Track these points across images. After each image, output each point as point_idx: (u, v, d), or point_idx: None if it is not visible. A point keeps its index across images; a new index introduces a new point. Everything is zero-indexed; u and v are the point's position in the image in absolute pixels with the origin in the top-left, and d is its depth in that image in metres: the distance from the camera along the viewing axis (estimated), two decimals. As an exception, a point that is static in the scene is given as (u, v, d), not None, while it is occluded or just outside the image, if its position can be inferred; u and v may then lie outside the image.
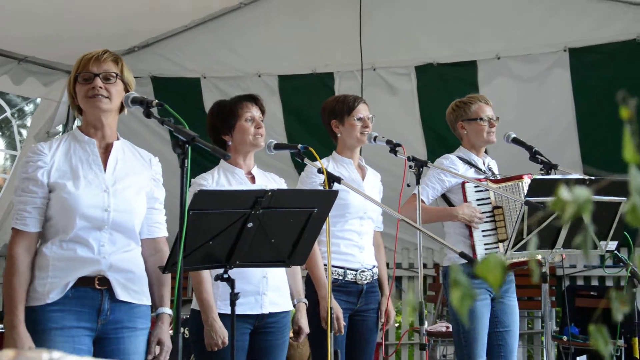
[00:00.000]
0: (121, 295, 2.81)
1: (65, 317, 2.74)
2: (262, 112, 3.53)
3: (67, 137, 2.93)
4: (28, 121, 7.51)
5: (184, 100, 6.59)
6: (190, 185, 3.34)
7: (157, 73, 6.61)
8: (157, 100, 2.73)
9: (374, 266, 3.92)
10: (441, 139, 5.75)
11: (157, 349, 2.90)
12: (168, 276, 3.01)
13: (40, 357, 1.10)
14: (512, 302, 4.14)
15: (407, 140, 6.12)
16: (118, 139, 2.96)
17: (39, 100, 6.77)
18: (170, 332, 2.90)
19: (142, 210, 2.92)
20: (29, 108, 7.20)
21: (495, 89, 5.91)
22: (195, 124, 5.78)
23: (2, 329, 5.43)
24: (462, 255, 2.98)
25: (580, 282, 6.55)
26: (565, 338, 5.67)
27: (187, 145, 2.59)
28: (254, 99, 3.52)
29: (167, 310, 2.94)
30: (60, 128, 6.56)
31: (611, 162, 5.62)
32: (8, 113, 6.62)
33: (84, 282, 2.77)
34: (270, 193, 2.81)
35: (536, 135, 5.74)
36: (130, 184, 2.89)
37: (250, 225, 2.83)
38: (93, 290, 2.78)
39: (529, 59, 5.90)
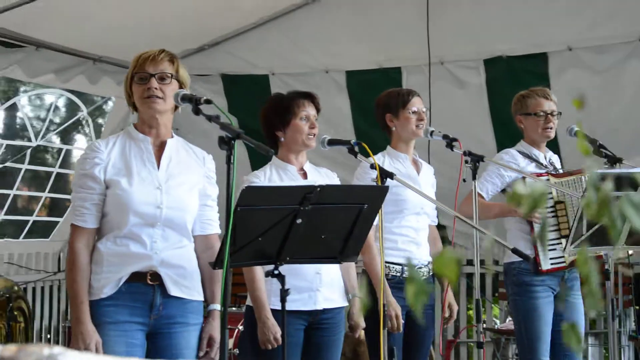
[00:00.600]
0: (173, 290, 2.86)
1: (119, 311, 2.81)
2: (318, 110, 3.54)
3: (123, 134, 3.00)
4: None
5: (253, 97, 6.65)
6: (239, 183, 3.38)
7: (226, 71, 6.69)
8: (205, 97, 2.77)
9: (429, 262, 3.89)
10: (511, 133, 5.61)
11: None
12: (220, 273, 3.05)
13: (41, 352, 1.13)
14: (577, 300, 4.04)
15: (477, 135, 6.05)
16: (172, 137, 3.02)
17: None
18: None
19: (194, 207, 2.96)
20: (107, 107, 7.40)
21: (567, 81, 5.75)
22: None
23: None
24: (515, 251, 2.93)
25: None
26: (641, 338, 5.50)
27: (233, 142, 2.63)
28: (310, 97, 3.52)
29: (218, 306, 2.98)
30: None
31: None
32: (84, 112, 6.82)
33: (136, 278, 2.83)
34: (319, 189, 2.82)
35: (610, 128, 5.58)
36: (183, 182, 2.94)
37: (299, 221, 2.84)
38: (145, 286, 2.84)
39: (601, 50, 5.70)
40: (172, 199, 2.88)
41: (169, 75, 2.92)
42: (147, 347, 2.87)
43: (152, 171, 2.91)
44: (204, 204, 3.01)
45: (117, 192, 2.84)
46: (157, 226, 2.86)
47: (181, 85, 2.96)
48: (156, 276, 2.85)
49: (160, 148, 2.97)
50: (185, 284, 2.90)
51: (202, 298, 2.97)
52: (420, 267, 3.82)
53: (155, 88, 2.88)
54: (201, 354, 2.93)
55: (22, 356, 1.16)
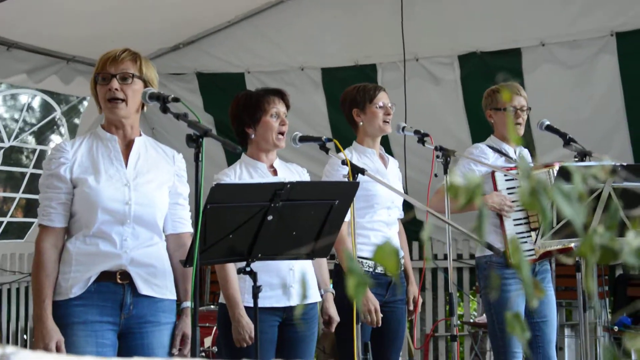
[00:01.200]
0: (143, 289, 2.85)
1: (88, 311, 2.79)
2: (287, 107, 3.54)
3: (91, 135, 2.99)
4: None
5: (229, 95, 6.63)
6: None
7: (202, 69, 6.68)
8: (173, 96, 2.76)
9: (401, 256, 3.90)
10: (486, 128, 5.65)
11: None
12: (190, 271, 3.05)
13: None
14: (548, 292, 4.08)
15: (452, 131, 6.08)
16: (140, 135, 3.01)
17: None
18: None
19: (163, 204, 2.95)
20: (82, 107, 7.35)
21: (540, 76, 5.79)
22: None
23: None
24: (488, 246, 2.95)
25: (634, 272, 6.37)
26: (616, 328, 5.54)
27: (201, 139, 2.63)
28: (280, 94, 3.52)
29: (188, 304, 2.97)
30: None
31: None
32: (58, 112, 6.77)
33: (105, 277, 2.81)
34: (289, 185, 2.82)
35: (583, 123, 5.62)
36: (152, 179, 2.93)
37: (270, 218, 2.84)
38: (115, 285, 2.82)
39: (574, 45, 5.74)
40: (140, 195, 2.87)
41: (131, 75, 2.89)
42: (118, 346, 2.86)
43: (119, 169, 2.90)
44: (175, 202, 3.00)
45: (84, 190, 2.83)
46: (126, 224, 2.84)
47: (147, 84, 2.93)
48: (126, 275, 2.83)
49: (128, 147, 2.96)
50: (156, 282, 2.89)
51: (174, 297, 2.96)
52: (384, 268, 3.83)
53: (117, 89, 2.86)
54: (174, 351, 2.92)
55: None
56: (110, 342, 2.82)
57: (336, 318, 3.53)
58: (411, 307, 3.95)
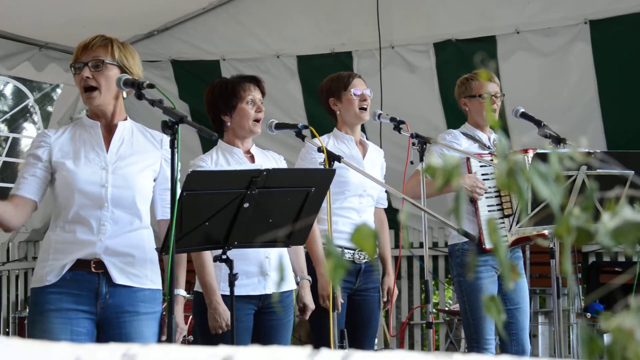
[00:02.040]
0: (118, 279, 2.81)
1: (63, 299, 2.77)
2: (263, 94, 3.53)
3: (75, 124, 2.99)
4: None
5: (205, 83, 6.59)
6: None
7: (176, 56, 6.63)
8: (148, 82, 2.75)
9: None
10: (461, 115, 5.68)
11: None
12: (182, 257, 3.03)
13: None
14: (521, 279, 4.11)
15: (428, 118, 6.10)
16: (125, 120, 2.98)
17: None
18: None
19: (145, 187, 2.91)
20: (56, 94, 7.28)
21: (515, 64, 5.82)
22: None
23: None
24: (462, 233, 2.96)
25: (607, 259, 6.45)
26: (589, 315, 5.60)
27: (176, 126, 2.61)
28: (255, 81, 3.51)
29: (181, 292, 2.96)
30: (84, 113, 6.63)
31: (636, 136, 5.59)
32: (31, 100, 6.71)
33: (80, 265, 2.79)
34: (265, 172, 2.82)
35: (558, 110, 5.66)
36: (134, 162, 2.90)
37: (246, 205, 2.84)
38: (90, 274, 2.80)
39: (548, 33, 5.78)
40: (118, 177, 2.85)
41: (102, 61, 2.85)
42: (97, 336, 2.84)
43: (99, 153, 2.88)
44: (165, 187, 2.92)
45: (62, 174, 2.83)
46: (104, 208, 2.81)
47: (124, 70, 2.89)
48: (100, 264, 2.81)
49: (111, 132, 2.93)
50: (134, 272, 2.85)
51: (156, 286, 2.91)
52: (362, 250, 3.83)
53: (88, 77, 2.83)
54: (163, 338, 2.91)
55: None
56: (86, 331, 2.79)
57: (311, 306, 3.54)
58: (385, 298, 3.96)
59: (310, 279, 3.57)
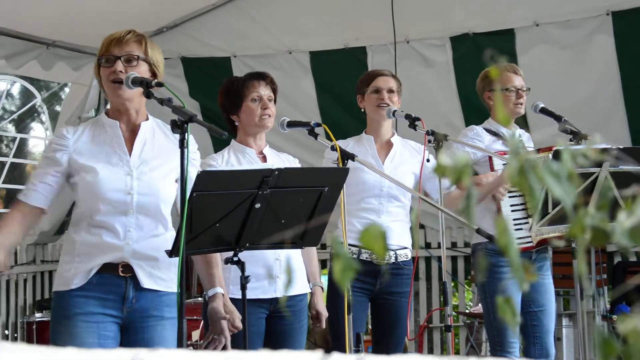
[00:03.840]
0: (146, 283, 2.83)
1: (89, 302, 2.79)
2: (274, 90, 3.54)
3: (94, 122, 2.97)
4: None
5: (215, 81, 6.62)
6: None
7: (186, 54, 6.65)
8: (157, 80, 2.76)
9: (400, 247, 3.88)
10: (479, 111, 5.65)
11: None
12: (217, 256, 3.07)
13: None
14: (547, 280, 4.09)
15: (445, 114, 6.09)
16: (147, 119, 2.98)
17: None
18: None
19: (169, 193, 2.91)
20: (64, 93, 7.32)
21: (534, 57, 5.79)
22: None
23: (41, 317, 5.58)
24: (479, 232, 2.96)
25: (634, 259, 6.40)
26: (614, 317, 5.58)
27: (185, 125, 2.62)
28: (262, 77, 3.54)
29: (219, 289, 3.00)
30: (92, 113, 6.67)
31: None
32: (39, 99, 6.74)
33: (108, 269, 2.81)
34: (277, 172, 2.82)
35: (579, 105, 5.63)
36: (157, 166, 2.90)
37: (258, 206, 2.84)
38: (117, 278, 2.82)
39: (569, 25, 5.75)
40: (143, 184, 2.85)
41: (136, 57, 2.86)
42: (120, 340, 2.85)
43: (122, 157, 2.87)
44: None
45: (86, 180, 2.82)
46: (130, 214, 2.82)
47: (152, 67, 2.91)
48: (128, 268, 2.82)
49: (133, 132, 2.93)
50: (160, 275, 2.87)
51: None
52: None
53: (121, 71, 2.84)
54: (188, 342, 2.95)
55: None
56: (113, 335, 2.82)
57: (324, 313, 3.55)
58: None
59: (323, 285, 3.58)
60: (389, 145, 3.98)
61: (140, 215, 2.84)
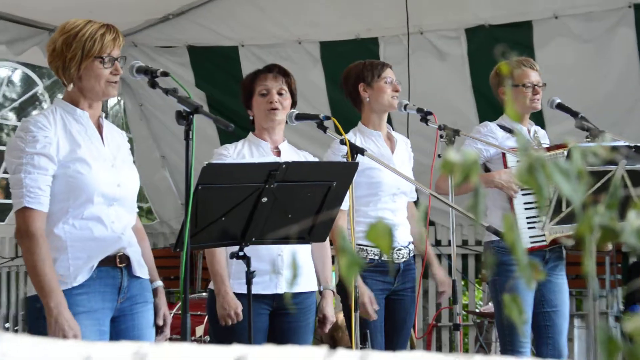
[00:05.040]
0: (137, 271, 2.93)
1: (92, 299, 2.83)
2: (287, 81, 3.56)
3: (57, 107, 2.91)
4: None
5: (222, 71, 6.65)
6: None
7: (193, 42, 6.67)
8: (161, 70, 2.78)
9: (409, 243, 3.91)
10: (494, 106, 5.65)
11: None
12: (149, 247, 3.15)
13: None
14: (561, 280, 4.11)
15: (458, 108, 6.09)
16: (102, 114, 3.06)
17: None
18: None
19: (138, 183, 3.04)
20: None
21: (552, 51, 5.80)
22: (233, 94, 5.88)
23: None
24: (489, 229, 2.97)
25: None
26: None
27: (191, 116, 2.65)
28: (268, 69, 3.59)
29: (161, 283, 3.09)
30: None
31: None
32: (40, 87, 6.78)
33: (105, 262, 2.85)
34: (284, 166, 2.85)
35: (599, 101, 5.64)
36: (124, 158, 3.00)
37: (264, 200, 2.87)
38: (113, 269, 2.87)
39: (589, 17, 5.74)
40: (124, 175, 2.93)
41: (124, 57, 2.94)
42: (110, 330, 2.91)
43: (100, 149, 2.90)
44: None
45: (78, 173, 2.80)
46: (112, 206, 2.87)
47: None
48: (124, 258, 2.89)
49: (96, 125, 2.96)
50: (142, 262, 2.98)
51: (147, 277, 3.02)
52: (400, 249, 3.84)
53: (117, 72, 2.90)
54: (160, 322, 3.01)
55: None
56: (107, 329, 2.88)
57: (331, 319, 3.57)
58: (441, 289, 3.95)
59: (335, 290, 3.61)
60: (391, 140, 3.98)
61: (119, 207, 2.89)
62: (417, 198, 4.10)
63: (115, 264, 2.87)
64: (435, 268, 4.01)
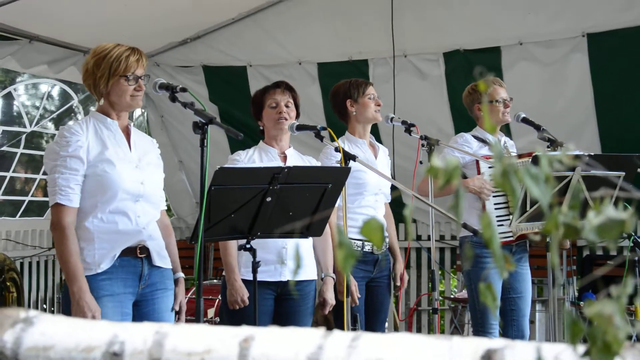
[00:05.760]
0: (157, 261, 2.93)
1: (114, 284, 2.83)
2: (292, 95, 3.57)
3: (90, 118, 2.95)
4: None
5: (232, 87, 6.65)
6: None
7: (207, 62, 6.66)
8: (181, 86, 2.78)
9: (386, 236, 3.92)
10: (468, 120, 5.65)
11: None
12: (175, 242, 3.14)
13: (18, 315, 1.14)
14: (525, 270, 4.11)
15: (437, 122, 6.09)
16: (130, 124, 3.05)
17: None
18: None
19: (162, 183, 3.04)
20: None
21: (518, 73, 5.79)
22: (242, 108, 5.87)
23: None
24: (464, 226, 2.96)
25: (600, 252, 6.41)
26: (582, 303, 5.58)
27: (206, 127, 2.64)
28: (277, 85, 3.59)
29: (182, 274, 3.08)
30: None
31: (629, 142, 5.55)
32: (75, 101, 6.76)
33: (127, 252, 2.86)
34: (286, 170, 2.85)
35: (556, 117, 5.63)
36: (150, 160, 3.00)
37: (269, 199, 2.87)
38: (135, 259, 2.87)
39: (549, 44, 5.74)
40: (148, 175, 2.94)
41: (148, 75, 2.96)
42: (133, 313, 2.90)
43: (126, 152, 2.92)
44: None
45: (105, 172, 2.81)
46: (138, 202, 2.87)
47: None
48: (144, 249, 2.89)
49: (125, 132, 2.98)
50: (163, 254, 2.97)
51: (169, 266, 3.00)
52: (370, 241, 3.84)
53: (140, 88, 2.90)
54: (176, 307, 3.00)
55: (1, 319, 1.17)
56: (129, 311, 2.88)
57: (331, 302, 3.56)
58: (398, 283, 3.98)
59: (335, 277, 3.60)
60: (373, 147, 4.00)
61: (145, 203, 2.90)
62: (400, 200, 4.12)
63: (136, 254, 2.87)
64: (399, 264, 4.01)
